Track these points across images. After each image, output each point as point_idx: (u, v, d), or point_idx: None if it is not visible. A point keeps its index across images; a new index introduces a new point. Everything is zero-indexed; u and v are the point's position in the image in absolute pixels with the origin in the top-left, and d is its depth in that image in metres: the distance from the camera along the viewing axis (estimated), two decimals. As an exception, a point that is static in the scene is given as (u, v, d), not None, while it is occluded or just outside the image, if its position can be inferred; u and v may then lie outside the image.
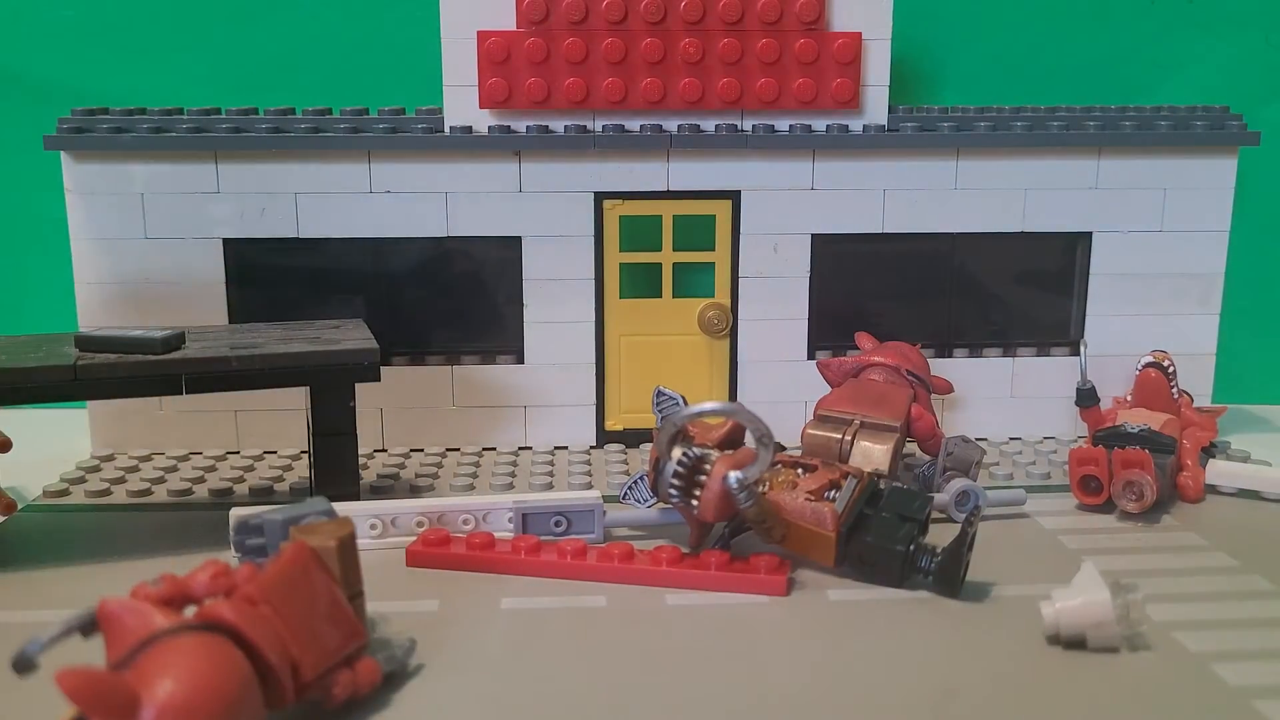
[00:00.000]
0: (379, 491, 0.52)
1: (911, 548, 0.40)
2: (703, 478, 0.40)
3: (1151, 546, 0.45)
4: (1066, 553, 0.45)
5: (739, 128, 0.58)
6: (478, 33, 0.56)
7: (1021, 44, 0.70)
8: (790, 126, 0.58)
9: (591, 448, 0.60)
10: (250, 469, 0.56)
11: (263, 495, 0.52)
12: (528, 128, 0.57)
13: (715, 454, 0.41)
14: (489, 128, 0.58)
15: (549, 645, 0.37)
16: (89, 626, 0.29)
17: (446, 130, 0.57)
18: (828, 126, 0.58)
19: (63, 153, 0.56)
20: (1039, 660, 0.36)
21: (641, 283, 0.60)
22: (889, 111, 0.59)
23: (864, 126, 0.59)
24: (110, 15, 0.67)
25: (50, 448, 0.57)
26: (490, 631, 0.38)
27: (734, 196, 0.59)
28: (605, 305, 0.59)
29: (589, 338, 0.59)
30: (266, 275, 0.58)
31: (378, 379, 0.46)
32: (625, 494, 0.47)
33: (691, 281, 0.61)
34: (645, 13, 0.56)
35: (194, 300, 0.57)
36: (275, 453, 0.59)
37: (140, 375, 0.44)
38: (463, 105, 0.57)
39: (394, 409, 0.59)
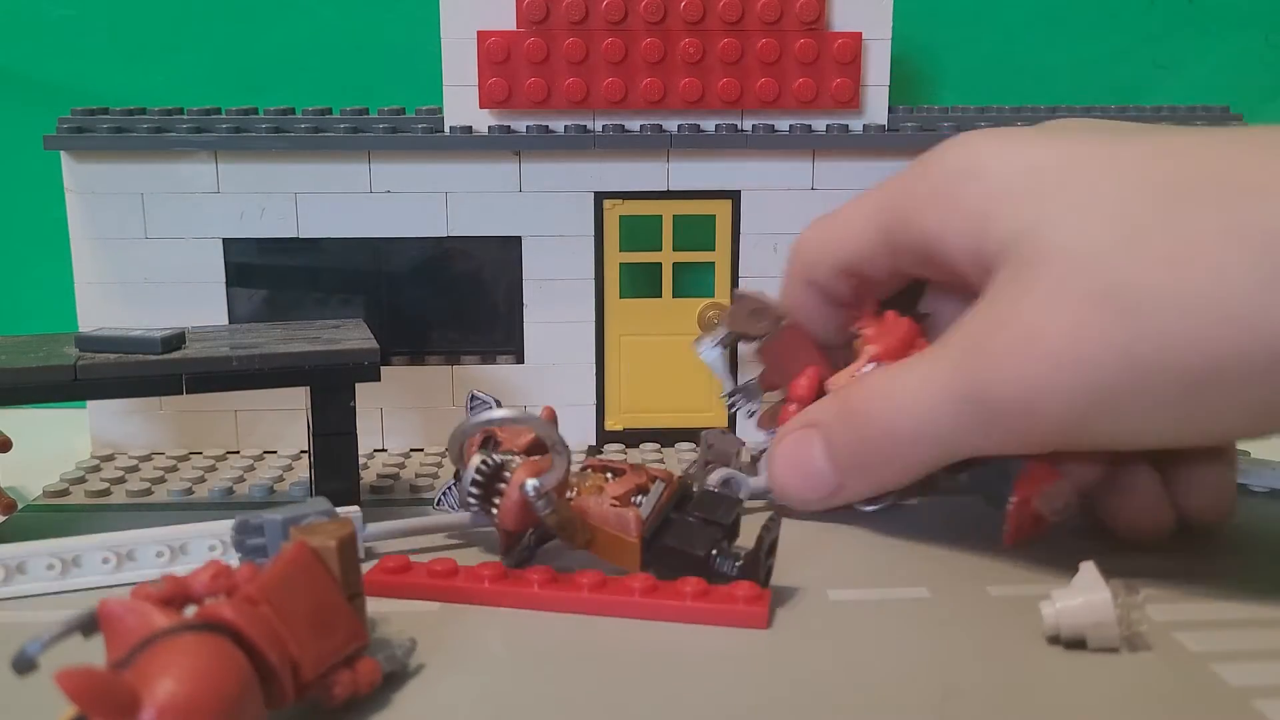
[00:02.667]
0: (379, 491, 0.52)
1: (714, 552, 0.40)
2: (503, 485, 0.40)
3: (1151, 546, 0.45)
4: (1066, 553, 0.45)
5: (739, 128, 0.58)
6: (478, 33, 0.56)
7: (1021, 44, 0.71)
8: (790, 126, 0.58)
9: (591, 448, 0.60)
10: (250, 469, 0.56)
11: (263, 495, 0.52)
12: (528, 127, 0.57)
13: (517, 460, 0.41)
14: (489, 127, 0.58)
15: (549, 645, 0.37)
16: (89, 626, 0.29)
17: (446, 130, 0.57)
18: (828, 126, 0.58)
19: (63, 153, 0.56)
20: (1039, 660, 0.36)
21: (641, 282, 0.60)
22: (889, 111, 0.59)
23: (864, 126, 0.59)
24: (110, 15, 0.67)
25: (50, 448, 0.57)
26: (490, 632, 0.38)
27: (734, 196, 0.59)
28: (605, 305, 0.59)
29: (589, 338, 0.59)
30: (266, 275, 0.58)
31: (378, 379, 0.46)
32: (439, 501, 0.46)
33: (691, 281, 0.61)
34: (645, 13, 0.56)
35: (194, 300, 0.57)
36: (275, 453, 0.59)
37: (140, 375, 0.44)
38: (463, 105, 0.57)
39: (394, 409, 0.59)
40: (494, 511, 0.40)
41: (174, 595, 0.30)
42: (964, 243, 0.42)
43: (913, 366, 0.43)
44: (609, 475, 0.43)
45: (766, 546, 0.39)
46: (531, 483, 0.39)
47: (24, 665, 0.28)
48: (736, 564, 0.39)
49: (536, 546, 0.42)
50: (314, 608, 0.31)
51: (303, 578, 0.31)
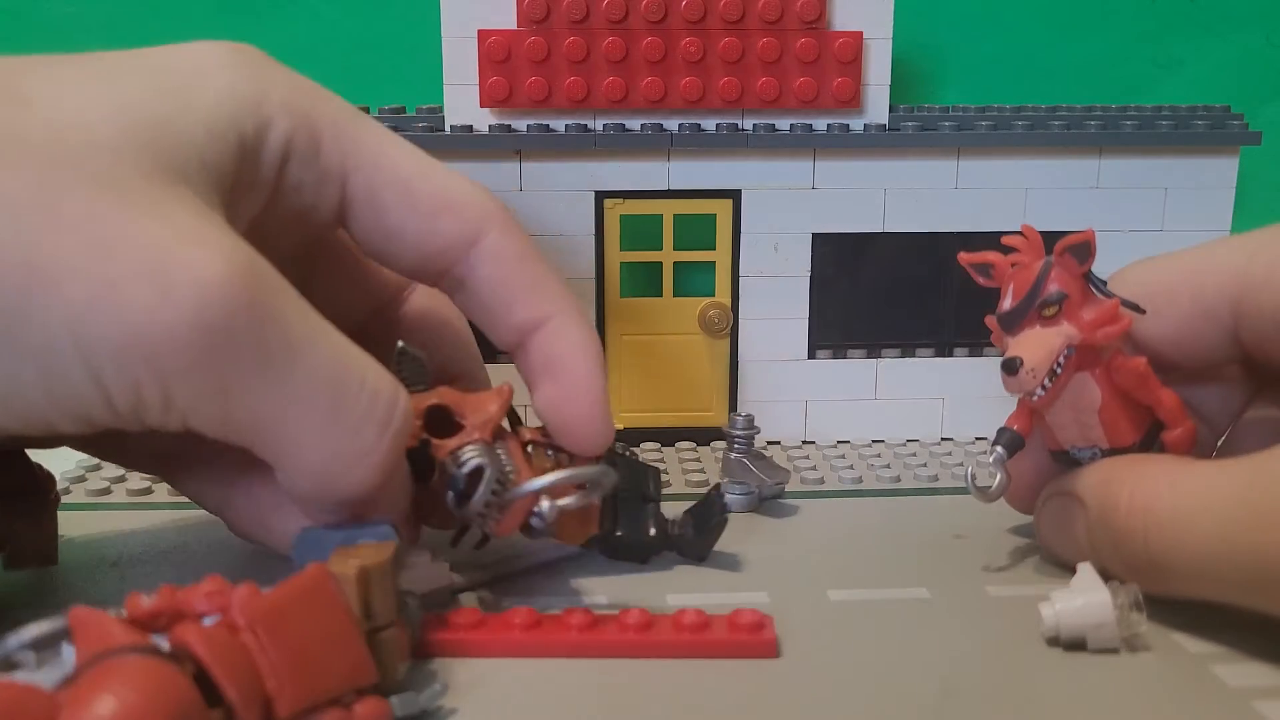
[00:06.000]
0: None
1: (653, 529, 0.42)
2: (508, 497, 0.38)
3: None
4: (1066, 553, 0.45)
5: (740, 127, 0.58)
6: (478, 31, 0.56)
7: (1022, 44, 0.71)
8: (791, 126, 0.58)
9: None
10: (251, 468, 0.56)
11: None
12: (528, 127, 0.57)
13: (509, 464, 0.38)
14: (489, 127, 0.58)
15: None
16: (62, 634, 0.28)
17: (447, 129, 0.57)
18: (828, 126, 0.58)
19: (63, 152, 0.56)
20: (1039, 660, 0.36)
21: (642, 282, 0.60)
22: (890, 111, 0.59)
23: (865, 126, 0.58)
24: (111, 14, 0.67)
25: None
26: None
27: (734, 196, 0.59)
28: (606, 304, 0.59)
29: (589, 337, 0.59)
30: (267, 274, 0.58)
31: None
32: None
33: (692, 281, 0.61)
34: (646, 12, 0.56)
35: (194, 299, 0.57)
36: (276, 452, 0.58)
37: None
38: (463, 104, 0.57)
39: (394, 408, 0.59)
40: (488, 520, 0.38)
41: (162, 610, 0.29)
42: None
43: (1191, 479, 0.36)
44: (550, 453, 0.41)
45: (713, 521, 0.40)
46: (548, 506, 0.38)
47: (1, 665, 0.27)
48: (690, 529, 0.41)
49: (459, 538, 0.41)
50: (312, 639, 0.29)
51: (307, 605, 0.29)
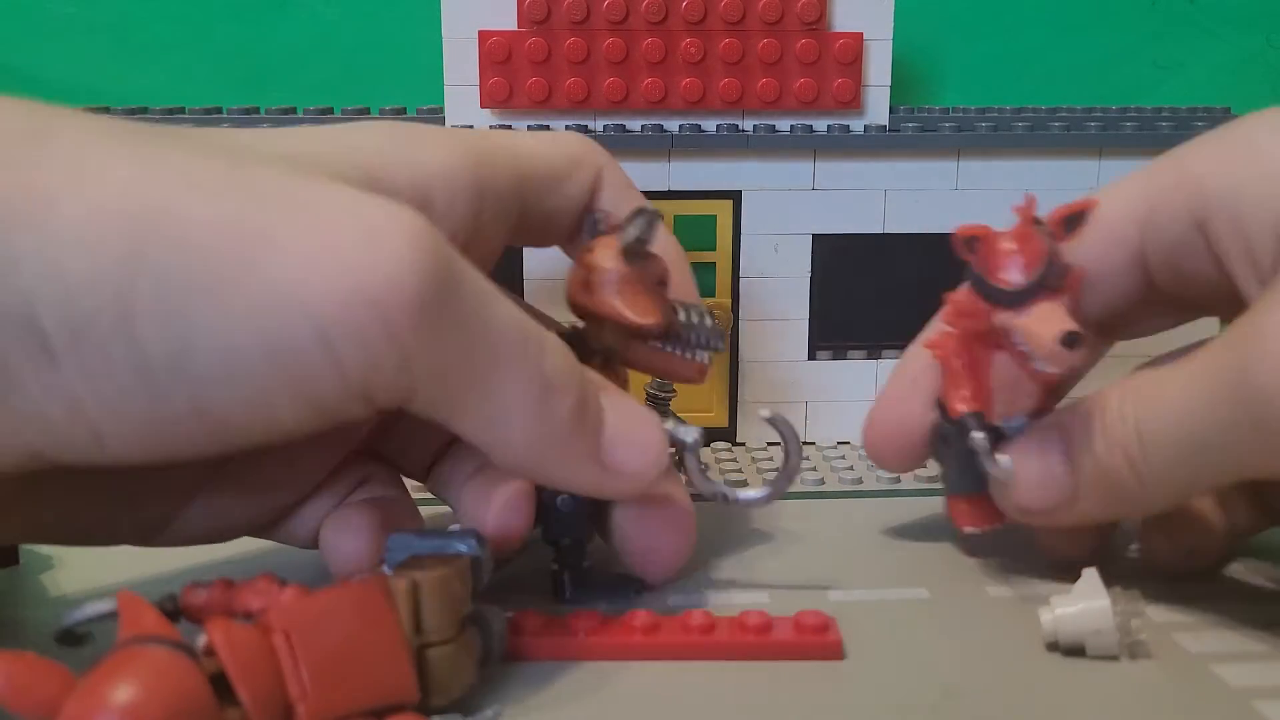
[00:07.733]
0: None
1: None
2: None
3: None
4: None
5: (740, 128, 0.58)
6: (479, 32, 0.56)
7: (1022, 44, 0.71)
8: (791, 127, 0.58)
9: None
10: (251, 468, 0.56)
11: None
12: (529, 128, 0.57)
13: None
14: (490, 128, 0.58)
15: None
16: (112, 615, 0.28)
17: (448, 130, 0.57)
18: (829, 127, 0.58)
19: (64, 152, 0.56)
20: (1039, 661, 0.36)
21: (642, 282, 0.60)
22: (890, 112, 0.59)
23: (865, 127, 0.59)
24: (111, 13, 0.67)
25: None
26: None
27: (735, 197, 0.59)
28: (606, 305, 0.59)
29: (590, 337, 0.59)
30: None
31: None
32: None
33: (692, 281, 0.61)
34: (646, 13, 0.56)
35: (195, 299, 0.57)
36: (276, 452, 0.58)
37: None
38: (464, 105, 0.57)
39: (395, 408, 0.59)
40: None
41: (213, 602, 0.29)
42: (1269, 207, 0.35)
43: (1181, 364, 0.36)
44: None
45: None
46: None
47: (66, 638, 0.29)
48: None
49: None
50: (350, 649, 0.28)
51: (351, 614, 0.29)
